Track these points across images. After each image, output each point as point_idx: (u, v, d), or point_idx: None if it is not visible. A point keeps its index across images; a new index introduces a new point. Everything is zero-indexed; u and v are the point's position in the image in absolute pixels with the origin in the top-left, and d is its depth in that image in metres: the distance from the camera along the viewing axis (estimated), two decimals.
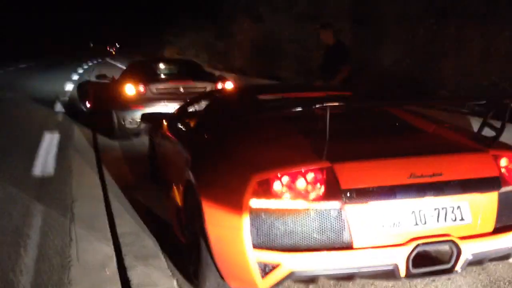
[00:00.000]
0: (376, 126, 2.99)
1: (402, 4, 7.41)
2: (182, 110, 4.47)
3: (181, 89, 7.08)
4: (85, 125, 8.62)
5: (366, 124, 3.04)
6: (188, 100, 4.52)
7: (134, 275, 3.08)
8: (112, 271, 3.11)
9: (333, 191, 2.28)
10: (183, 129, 3.83)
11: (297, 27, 10.27)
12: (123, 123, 7.00)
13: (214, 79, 7.52)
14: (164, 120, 4.48)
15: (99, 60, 48.98)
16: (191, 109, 4.48)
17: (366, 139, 2.71)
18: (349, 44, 6.83)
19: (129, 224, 4.00)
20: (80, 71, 27.28)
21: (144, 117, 4.51)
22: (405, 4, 7.39)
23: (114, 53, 69.09)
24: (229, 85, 7.32)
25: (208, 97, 4.31)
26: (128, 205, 4.47)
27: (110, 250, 3.45)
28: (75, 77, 21.76)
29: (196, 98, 4.48)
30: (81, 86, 9.36)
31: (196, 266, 2.82)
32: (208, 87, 7.22)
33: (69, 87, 16.30)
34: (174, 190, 3.57)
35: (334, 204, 2.27)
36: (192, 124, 3.77)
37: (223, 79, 7.47)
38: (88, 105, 8.65)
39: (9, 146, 6.70)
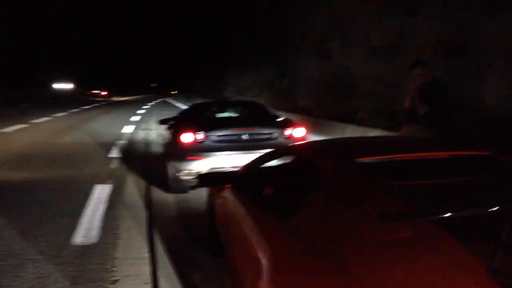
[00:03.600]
0: None
1: None
2: (251, 171, 3.50)
3: (245, 136, 6.17)
4: (140, 173, 7.91)
5: None
6: (260, 157, 3.54)
7: None
8: None
9: None
10: (255, 201, 2.83)
11: (373, 61, 9.17)
12: (178, 175, 6.16)
13: (281, 124, 6.57)
14: (227, 183, 3.52)
15: (159, 100, 50.12)
16: (263, 169, 3.50)
17: None
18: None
19: None
20: (140, 111, 27.46)
21: (202, 178, 3.57)
22: None
23: (175, 92, 70.37)
24: (299, 131, 6.35)
25: (285, 154, 3.31)
26: None
27: None
28: (134, 118, 21.68)
29: (270, 154, 3.50)
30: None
31: None
32: (275, 133, 6.29)
33: (127, 129, 15.97)
34: None
35: None
36: (268, 194, 2.76)
37: (292, 124, 6.49)
38: None
39: (55, 203, 5.99)
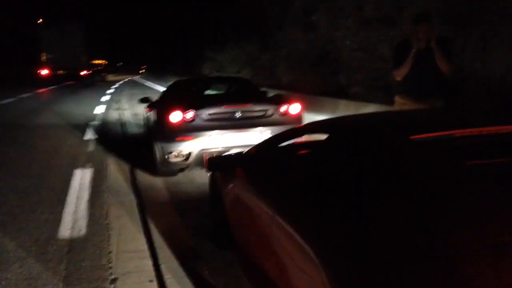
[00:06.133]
0: None
1: None
2: (269, 153, 3.13)
3: (238, 114, 5.77)
4: (120, 155, 7.43)
5: None
6: (276, 136, 3.18)
7: None
8: None
9: None
10: (283, 189, 2.45)
11: (365, 33, 8.77)
12: (167, 157, 5.73)
13: (276, 100, 6.18)
14: (239, 167, 3.14)
15: (128, 79, 48.87)
16: (283, 151, 3.13)
17: None
18: None
19: None
20: (110, 91, 26.57)
21: (213, 162, 3.18)
22: None
23: (143, 71, 70.77)
24: (295, 108, 5.98)
25: (312, 131, 2.92)
26: None
27: None
28: (104, 98, 20.88)
29: (290, 132, 3.12)
30: None
31: None
32: (270, 110, 5.90)
33: (99, 109, 15.28)
34: None
35: None
36: (300, 181, 2.38)
37: (287, 100, 6.10)
38: None
39: (33, 192, 5.48)
